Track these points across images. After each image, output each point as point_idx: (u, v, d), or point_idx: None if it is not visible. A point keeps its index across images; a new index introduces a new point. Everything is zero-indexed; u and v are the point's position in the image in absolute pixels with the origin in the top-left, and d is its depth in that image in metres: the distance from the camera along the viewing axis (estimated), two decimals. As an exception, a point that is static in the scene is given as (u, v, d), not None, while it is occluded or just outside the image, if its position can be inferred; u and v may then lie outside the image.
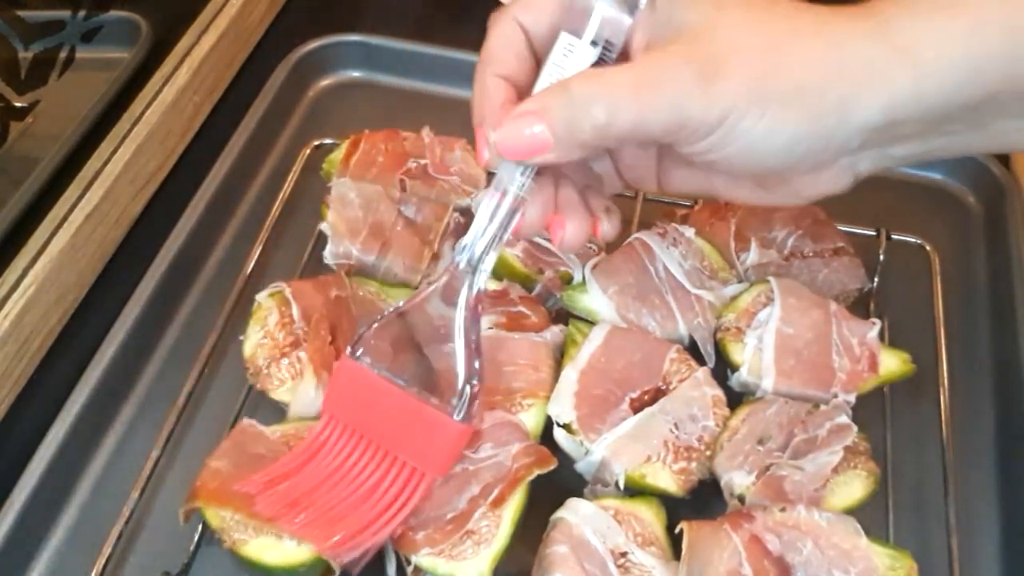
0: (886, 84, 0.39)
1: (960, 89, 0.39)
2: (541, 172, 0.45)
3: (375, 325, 0.49)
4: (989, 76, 0.38)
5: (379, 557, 0.50)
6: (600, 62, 0.42)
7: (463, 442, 0.49)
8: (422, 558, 0.49)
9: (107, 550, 0.51)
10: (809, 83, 0.39)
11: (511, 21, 0.44)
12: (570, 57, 0.42)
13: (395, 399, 0.48)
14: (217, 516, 0.49)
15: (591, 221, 0.48)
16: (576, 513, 0.50)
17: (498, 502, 0.49)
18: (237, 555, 0.49)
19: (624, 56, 0.43)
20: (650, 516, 0.51)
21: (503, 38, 0.44)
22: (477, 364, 0.47)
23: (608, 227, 0.48)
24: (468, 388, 0.47)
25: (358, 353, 0.49)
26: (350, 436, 0.49)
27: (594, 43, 0.42)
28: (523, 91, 0.44)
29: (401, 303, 0.49)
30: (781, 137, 0.40)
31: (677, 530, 0.48)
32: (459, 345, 0.47)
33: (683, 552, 0.47)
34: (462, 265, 0.47)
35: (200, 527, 0.52)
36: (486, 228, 0.45)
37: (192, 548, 0.52)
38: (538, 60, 0.44)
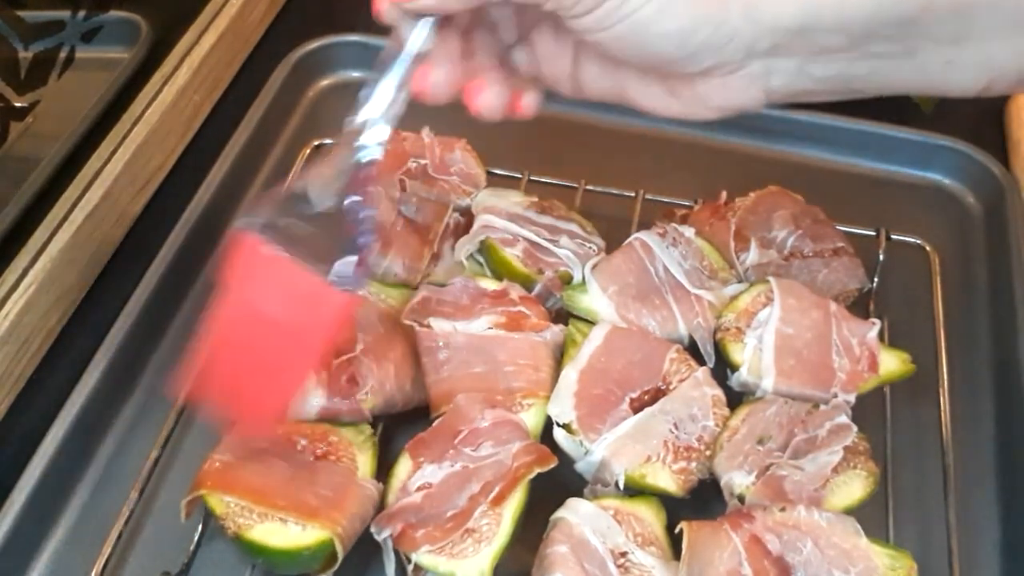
0: None
1: (883, 2, 0.37)
2: (443, 27, 0.44)
3: (272, 200, 0.48)
4: None
5: (378, 556, 0.50)
6: None
7: (346, 312, 0.51)
8: (422, 556, 0.49)
9: (107, 550, 0.51)
10: None
11: None
12: None
13: (287, 272, 0.47)
14: (221, 503, 0.49)
15: (511, 92, 0.47)
16: (576, 513, 0.50)
17: (498, 500, 0.49)
18: (241, 540, 0.49)
19: None
20: (650, 516, 0.51)
21: None
22: (364, 239, 0.47)
23: (530, 99, 0.48)
24: (352, 261, 0.46)
25: (253, 229, 0.47)
26: (249, 308, 0.48)
27: None
28: None
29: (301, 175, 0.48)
30: (673, 23, 0.39)
31: (677, 530, 0.48)
32: (345, 215, 0.46)
33: (683, 552, 0.47)
34: (355, 125, 0.44)
35: (200, 527, 0.52)
36: (383, 81, 0.43)
37: (192, 548, 0.52)
38: None
